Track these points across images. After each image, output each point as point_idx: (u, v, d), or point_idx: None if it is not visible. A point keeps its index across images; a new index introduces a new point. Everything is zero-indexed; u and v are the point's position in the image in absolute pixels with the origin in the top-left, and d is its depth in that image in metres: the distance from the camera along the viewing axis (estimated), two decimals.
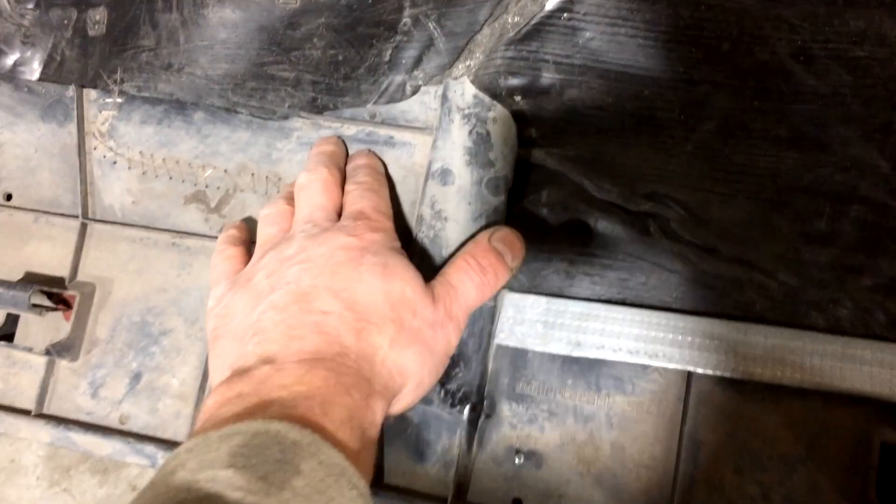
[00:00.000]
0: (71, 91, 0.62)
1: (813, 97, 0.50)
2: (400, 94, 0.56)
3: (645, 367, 0.50)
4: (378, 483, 0.51)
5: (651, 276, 0.51)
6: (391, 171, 0.56)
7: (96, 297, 0.60)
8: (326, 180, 0.51)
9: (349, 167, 0.55)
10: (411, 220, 0.55)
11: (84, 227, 0.61)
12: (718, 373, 0.48)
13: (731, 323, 0.49)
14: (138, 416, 0.58)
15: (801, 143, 0.50)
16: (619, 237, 0.52)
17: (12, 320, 0.60)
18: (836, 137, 0.50)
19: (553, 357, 0.52)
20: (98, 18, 0.62)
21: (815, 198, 0.50)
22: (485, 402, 0.52)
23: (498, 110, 0.52)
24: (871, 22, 0.49)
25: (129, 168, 0.61)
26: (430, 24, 0.55)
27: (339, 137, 0.57)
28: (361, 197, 0.51)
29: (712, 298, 0.50)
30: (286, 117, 0.58)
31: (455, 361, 0.51)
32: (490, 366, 0.52)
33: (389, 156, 0.56)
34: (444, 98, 0.54)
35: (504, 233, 0.50)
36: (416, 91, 0.56)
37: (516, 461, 0.51)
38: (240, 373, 0.41)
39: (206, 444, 0.35)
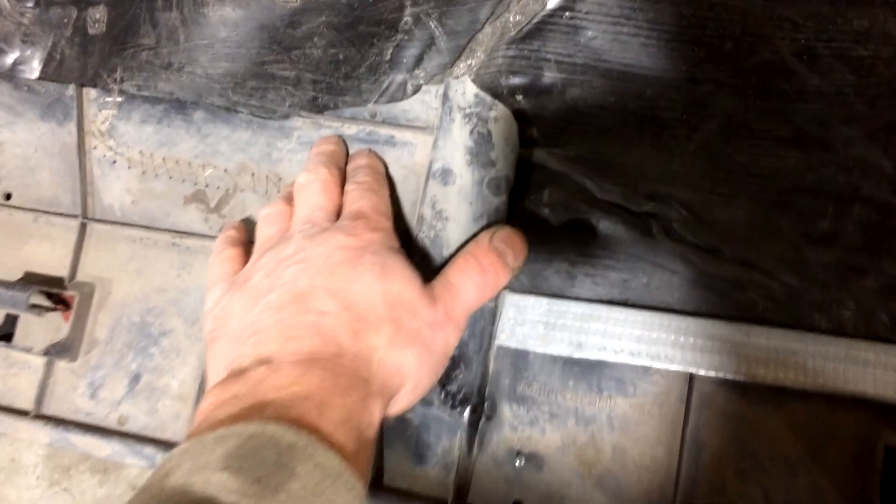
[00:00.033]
0: (71, 90, 0.62)
1: (816, 96, 0.49)
2: (401, 94, 0.56)
3: (647, 369, 0.50)
4: (378, 485, 0.51)
5: (653, 276, 0.51)
6: (392, 170, 0.55)
7: (95, 298, 0.60)
8: (326, 180, 0.51)
9: (349, 167, 0.54)
10: (412, 220, 0.54)
11: (83, 226, 0.61)
12: (721, 374, 0.48)
13: (734, 324, 0.49)
14: (137, 417, 0.57)
15: (804, 142, 0.50)
16: (621, 238, 0.52)
17: (11, 320, 0.59)
18: (839, 137, 0.49)
19: (554, 358, 0.51)
20: (98, 17, 0.61)
21: (817, 198, 0.50)
22: (485, 404, 0.52)
23: (499, 110, 0.52)
24: (874, 21, 0.48)
25: (129, 167, 0.61)
26: (431, 22, 0.54)
27: (339, 137, 0.56)
28: (361, 197, 0.50)
29: (714, 299, 0.50)
30: (286, 116, 0.58)
31: (456, 363, 0.50)
32: (491, 367, 0.52)
33: (390, 155, 0.56)
34: (446, 97, 0.53)
35: (506, 233, 0.49)
36: (417, 90, 0.56)
37: (517, 463, 0.51)
38: (236, 374, 0.41)
39: (201, 447, 0.35)
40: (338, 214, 0.50)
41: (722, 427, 0.49)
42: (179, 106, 0.60)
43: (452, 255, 0.51)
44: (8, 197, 0.63)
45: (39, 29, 0.62)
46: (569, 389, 0.51)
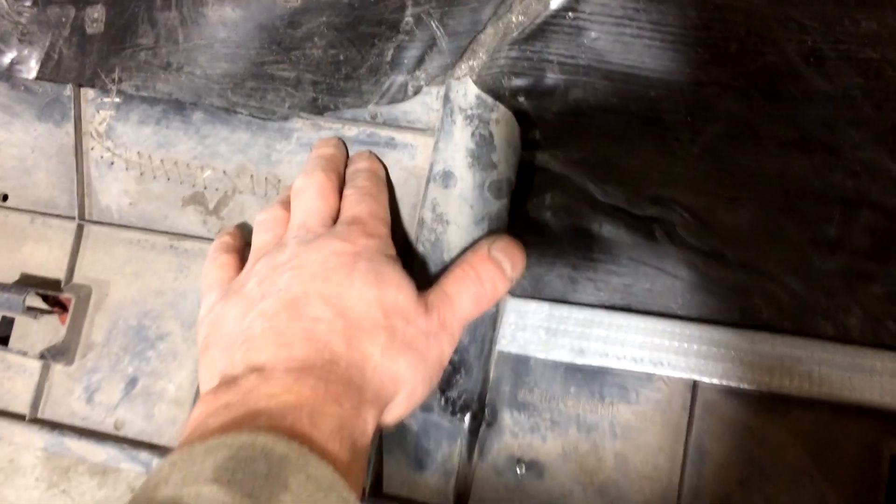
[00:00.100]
0: (68, 90, 0.61)
1: (823, 99, 0.49)
2: (402, 95, 0.55)
3: (649, 376, 0.50)
4: (377, 492, 0.51)
5: (656, 281, 0.51)
6: (392, 172, 0.55)
7: (92, 300, 0.59)
8: (322, 185, 0.50)
9: (349, 170, 0.54)
10: (412, 223, 0.54)
11: (80, 228, 0.60)
12: (724, 382, 0.48)
13: (738, 331, 0.48)
14: (133, 422, 0.57)
15: (811, 146, 0.49)
16: (624, 242, 0.51)
17: (7, 323, 0.59)
18: (846, 141, 0.49)
19: (556, 364, 0.51)
20: (96, 16, 0.61)
21: (824, 203, 0.49)
22: (486, 411, 0.51)
23: (501, 111, 0.52)
24: (883, 22, 0.48)
25: (127, 169, 0.60)
26: (432, 23, 0.54)
27: (339, 139, 0.56)
28: (359, 202, 0.50)
29: (718, 305, 0.50)
30: (286, 118, 0.58)
31: (456, 368, 0.50)
32: (491, 373, 0.52)
33: (390, 157, 0.55)
34: (447, 99, 0.53)
35: (504, 242, 0.49)
36: (417, 91, 0.55)
37: (517, 471, 0.50)
38: (227, 381, 0.41)
39: (191, 458, 0.34)
40: (334, 219, 0.50)
41: (725, 435, 0.48)
42: (178, 107, 0.60)
43: (453, 259, 0.50)
44: (4, 198, 0.63)
45: (37, 28, 0.62)
46: (570, 396, 0.51)
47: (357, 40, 0.55)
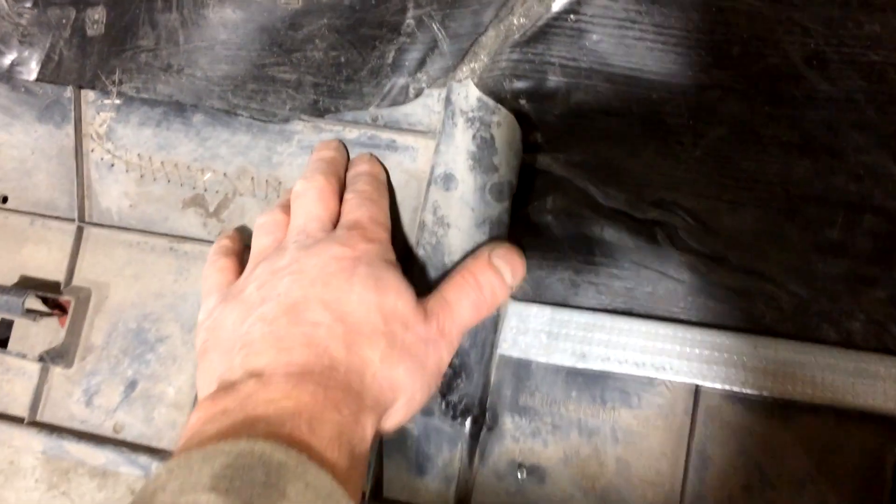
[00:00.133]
0: (69, 92, 0.61)
1: (826, 102, 0.49)
2: (403, 97, 0.55)
3: (651, 380, 0.50)
4: (377, 497, 0.51)
5: (658, 285, 0.50)
6: (393, 175, 0.55)
7: (92, 303, 0.59)
8: (322, 189, 0.50)
9: (350, 173, 0.54)
10: (413, 226, 0.54)
11: (80, 230, 0.60)
12: (727, 387, 0.48)
13: (741, 335, 0.48)
14: (133, 425, 0.57)
15: (814, 149, 0.49)
16: (626, 245, 0.51)
17: (6, 325, 0.59)
18: (849, 144, 0.49)
19: (557, 368, 0.51)
20: (97, 18, 0.61)
21: (827, 206, 0.49)
22: (487, 415, 0.51)
23: (502, 114, 0.51)
24: (886, 25, 0.47)
25: (127, 171, 0.60)
26: (433, 25, 0.54)
27: (339, 142, 0.56)
28: (359, 206, 0.50)
29: (721, 309, 0.49)
30: (287, 120, 0.57)
31: (457, 372, 0.50)
32: (492, 377, 0.51)
33: (391, 160, 0.55)
34: (448, 101, 0.53)
35: (505, 249, 0.48)
36: (419, 94, 0.55)
37: (518, 476, 0.50)
38: (225, 387, 0.40)
39: (188, 465, 0.34)
40: (334, 224, 0.50)
41: (728, 440, 0.48)
42: (178, 109, 0.59)
43: (454, 262, 0.50)
44: (4, 200, 0.62)
45: (37, 30, 0.62)
46: (572, 400, 0.50)
47: (358, 42, 0.55)
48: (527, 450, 0.50)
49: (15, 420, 0.58)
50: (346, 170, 0.54)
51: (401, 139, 0.55)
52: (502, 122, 0.51)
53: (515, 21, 0.52)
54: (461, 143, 0.51)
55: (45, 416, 0.59)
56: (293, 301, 0.44)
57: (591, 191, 0.52)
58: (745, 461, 0.48)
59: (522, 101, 0.52)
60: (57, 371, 0.59)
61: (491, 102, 0.51)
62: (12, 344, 0.59)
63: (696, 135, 0.50)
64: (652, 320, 0.50)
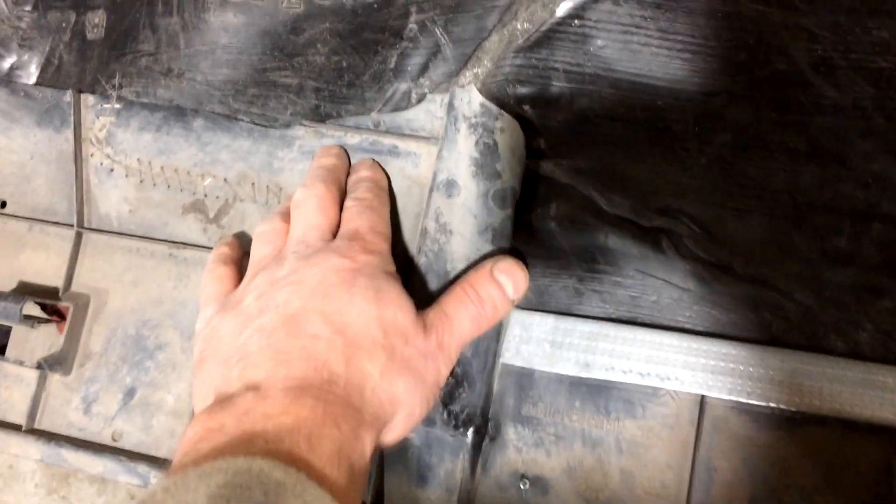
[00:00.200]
0: (68, 96, 0.61)
1: (833, 109, 0.48)
2: (405, 103, 0.55)
3: (656, 391, 0.49)
4: None
5: (663, 294, 0.50)
6: (395, 181, 0.54)
7: (91, 309, 0.59)
8: (322, 197, 0.50)
9: (351, 179, 0.53)
10: (415, 233, 0.53)
11: (79, 236, 0.60)
12: (733, 397, 0.47)
13: (747, 345, 0.48)
14: (131, 433, 0.56)
15: (821, 157, 0.49)
16: (630, 253, 0.51)
17: (4, 332, 0.59)
18: (856, 152, 0.48)
19: (560, 378, 0.50)
20: (97, 22, 0.60)
21: (834, 214, 0.49)
22: (489, 425, 0.51)
23: (505, 120, 0.51)
24: (894, 31, 0.47)
25: (127, 176, 0.60)
26: (436, 30, 0.53)
27: (341, 148, 0.55)
28: (360, 215, 0.49)
29: (726, 319, 0.49)
30: (288, 125, 0.57)
31: (459, 382, 0.49)
32: (495, 386, 0.51)
33: (393, 166, 0.55)
34: (451, 107, 0.52)
35: (508, 263, 0.48)
36: (421, 99, 0.55)
37: (521, 487, 0.50)
38: (222, 400, 0.40)
39: (184, 484, 0.34)
40: (334, 232, 0.49)
41: (734, 452, 0.48)
42: (179, 113, 0.59)
43: (456, 270, 0.50)
44: (3, 205, 0.62)
45: (37, 33, 0.62)
46: (575, 410, 0.50)
47: (360, 47, 0.55)
48: (529, 460, 0.50)
49: (13, 428, 0.58)
50: (347, 175, 0.54)
51: (403, 145, 0.55)
52: (505, 128, 0.51)
53: (519, 26, 0.52)
54: (464, 149, 0.51)
55: (43, 423, 0.58)
56: (292, 313, 0.43)
57: (596, 198, 0.52)
58: (751, 473, 0.47)
59: (526, 107, 0.52)
60: (55, 378, 0.58)
61: (494, 108, 0.51)
62: (10, 350, 0.58)
63: (701, 141, 0.50)
64: (657, 329, 0.49)
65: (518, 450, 0.50)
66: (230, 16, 0.57)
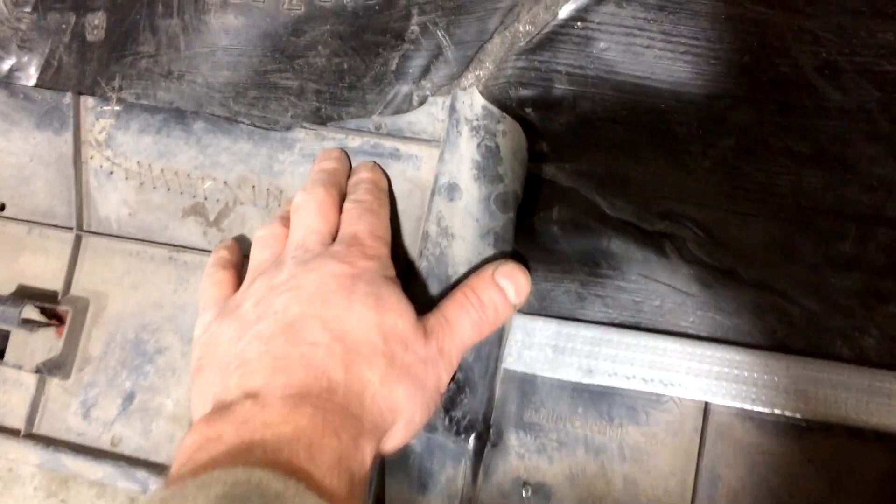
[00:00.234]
0: (68, 98, 0.61)
1: (838, 113, 0.48)
2: (406, 105, 0.55)
3: (660, 397, 0.49)
4: None
5: (666, 299, 0.50)
6: (396, 184, 0.54)
7: (90, 313, 0.58)
8: (322, 201, 0.49)
9: (351, 180, 0.53)
10: (416, 236, 0.53)
11: (79, 239, 0.59)
12: (737, 404, 0.47)
13: (751, 351, 0.47)
14: (131, 438, 0.56)
15: (825, 160, 0.48)
16: (633, 257, 0.51)
17: (2, 336, 0.58)
18: (861, 155, 0.48)
19: (563, 384, 0.50)
20: (97, 23, 0.60)
21: (839, 219, 0.48)
22: (491, 431, 0.50)
23: (507, 123, 0.51)
24: None
25: (126, 179, 0.59)
26: (438, 32, 0.53)
27: (342, 151, 0.55)
28: (359, 218, 0.49)
29: (731, 324, 0.49)
30: (289, 128, 0.57)
31: (460, 387, 0.49)
32: (497, 392, 0.51)
33: (395, 169, 0.54)
34: (452, 109, 0.52)
35: (510, 267, 0.48)
36: (423, 102, 0.54)
37: (523, 494, 0.49)
38: (221, 408, 0.39)
39: (182, 495, 0.33)
40: (334, 236, 0.49)
41: (738, 460, 0.47)
42: (179, 115, 0.59)
43: (458, 273, 0.50)
44: (2, 208, 0.62)
45: (37, 35, 0.61)
46: (578, 417, 0.50)
47: (361, 49, 0.55)
48: (532, 467, 0.50)
49: (11, 432, 0.57)
50: (348, 178, 0.54)
51: (404, 148, 0.54)
52: (507, 131, 0.51)
53: (521, 28, 0.52)
54: (466, 153, 0.51)
55: (41, 428, 0.58)
56: (290, 319, 0.43)
57: (598, 201, 0.51)
58: (755, 481, 0.47)
59: (528, 110, 0.52)
60: (54, 383, 0.58)
61: (496, 111, 0.51)
62: (9, 355, 0.58)
63: (705, 145, 0.50)
64: (660, 335, 0.49)
65: (520, 456, 0.50)
66: (231, 17, 0.57)
